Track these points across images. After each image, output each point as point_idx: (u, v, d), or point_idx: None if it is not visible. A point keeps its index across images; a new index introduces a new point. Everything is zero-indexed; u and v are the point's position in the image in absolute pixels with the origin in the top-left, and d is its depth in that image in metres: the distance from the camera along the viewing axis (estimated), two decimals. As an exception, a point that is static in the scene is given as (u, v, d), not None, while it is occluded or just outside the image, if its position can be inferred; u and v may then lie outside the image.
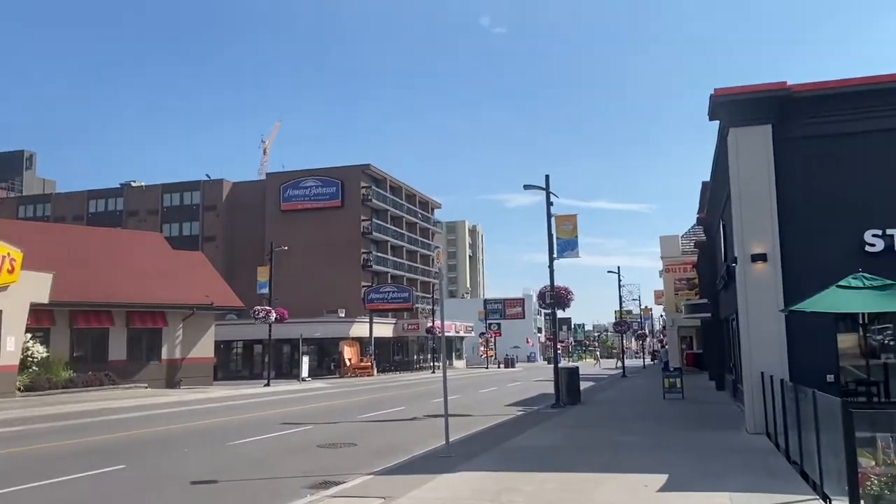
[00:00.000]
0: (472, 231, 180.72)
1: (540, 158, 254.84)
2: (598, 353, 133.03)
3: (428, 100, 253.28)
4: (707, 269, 33.15)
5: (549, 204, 24.20)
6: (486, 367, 79.87)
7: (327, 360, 63.50)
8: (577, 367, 25.41)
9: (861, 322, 11.88)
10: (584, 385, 39.06)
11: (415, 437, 16.75)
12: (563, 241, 24.46)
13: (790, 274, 14.97)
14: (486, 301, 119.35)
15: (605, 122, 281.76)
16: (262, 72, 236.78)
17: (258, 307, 40.81)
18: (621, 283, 50.37)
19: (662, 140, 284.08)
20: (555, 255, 24.28)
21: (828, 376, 14.62)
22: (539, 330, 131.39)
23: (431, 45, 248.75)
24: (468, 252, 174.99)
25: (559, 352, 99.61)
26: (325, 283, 65.90)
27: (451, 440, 13.91)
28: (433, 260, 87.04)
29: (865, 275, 11.23)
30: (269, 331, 41.27)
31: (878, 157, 14.94)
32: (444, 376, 14.64)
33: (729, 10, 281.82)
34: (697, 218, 33.25)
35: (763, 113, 15.41)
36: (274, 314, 40.24)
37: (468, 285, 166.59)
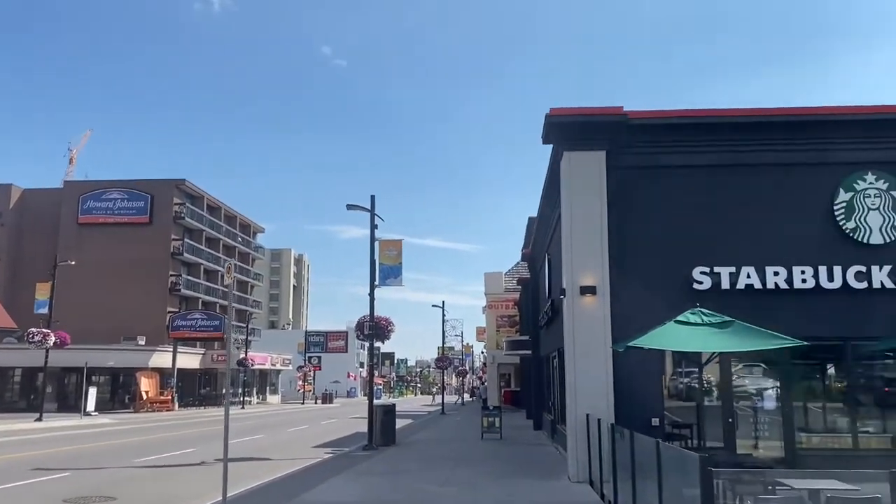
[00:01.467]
0: (298, 260, 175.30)
1: (371, 191, 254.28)
2: (432, 389, 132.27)
3: (262, 126, 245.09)
4: (529, 307, 32.80)
5: (374, 226, 22.38)
6: (303, 403, 76.09)
7: (121, 392, 56.99)
8: (394, 405, 23.54)
9: (701, 361, 10.97)
10: (401, 423, 37.29)
11: (193, 488, 13.93)
12: (387, 267, 22.68)
13: (620, 309, 14.08)
14: (307, 333, 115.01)
15: (437, 161, 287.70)
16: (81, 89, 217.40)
17: (34, 329, 35.19)
18: (445, 319, 49.51)
19: (492, 180, 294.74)
20: (376, 282, 22.40)
21: (653, 420, 13.79)
22: (361, 364, 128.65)
23: (273, 69, 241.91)
24: (293, 282, 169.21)
25: (380, 387, 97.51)
26: (125, 307, 59.44)
27: (235, 492, 11.41)
28: (252, 287, 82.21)
29: (703, 310, 10.33)
30: (46, 357, 35.68)
31: (705, 193, 14.54)
32: (227, 414, 12.07)
33: (571, 43, 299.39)
34: (522, 254, 32.95)
35: (598, 138, 14.60)
36: (53, 338, 34.79)
37: (290, 316, 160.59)
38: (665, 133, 14.61)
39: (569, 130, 14.72)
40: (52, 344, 34.73)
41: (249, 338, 76.95)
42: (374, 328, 22.15)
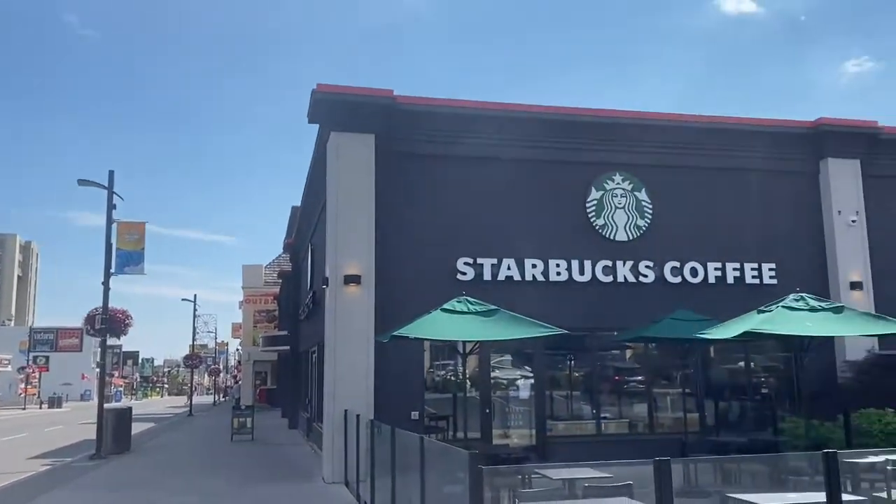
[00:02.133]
0: (25, 247, 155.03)
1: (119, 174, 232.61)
2: (184, 390, 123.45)
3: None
4: (290, 300, 31.44)
5: (112, 206, 19.69)
6: (24, 409, 66.89)
7: None
8: (130, 408, 20.94)
9: (463, 352, 10.66)
10: (141, 427, 33.79)
11: None
12: (126, 252, 20.09)
13: (385, 299, 13.51)
14: (33, 330, 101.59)
15: (195, 147, 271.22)
16: None
17: None
18: (197, 313, 46.10)
19: (256, 168, 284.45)
20: (113, 270, 19.74)
21: (413, 413, 13.42)
22: (98, 364, 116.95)
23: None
24: (17, 272, 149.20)
25: (120, 389, 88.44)
26: None
27: None
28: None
29: (469, 298, 10.04)
30: None
31: (471, 185, 14.51)
32: None
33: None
34: (285, 244, 31.48)
35: (367, 120, 13.92)
36: None
37: (13, 311, 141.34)
38: (433, 121, 14.35)
39: (337, 110, 13.87)
40: None
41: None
42: (108, 321, 19.50)
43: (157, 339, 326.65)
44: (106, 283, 19.51)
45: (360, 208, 13.70)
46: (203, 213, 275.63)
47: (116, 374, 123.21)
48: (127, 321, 20.18)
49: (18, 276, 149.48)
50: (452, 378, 14.06)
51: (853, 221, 15.72)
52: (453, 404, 13.61)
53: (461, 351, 10.09)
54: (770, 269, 15.34)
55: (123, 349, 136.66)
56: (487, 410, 13.83)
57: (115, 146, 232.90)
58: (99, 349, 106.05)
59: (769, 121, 15.97)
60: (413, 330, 9.34)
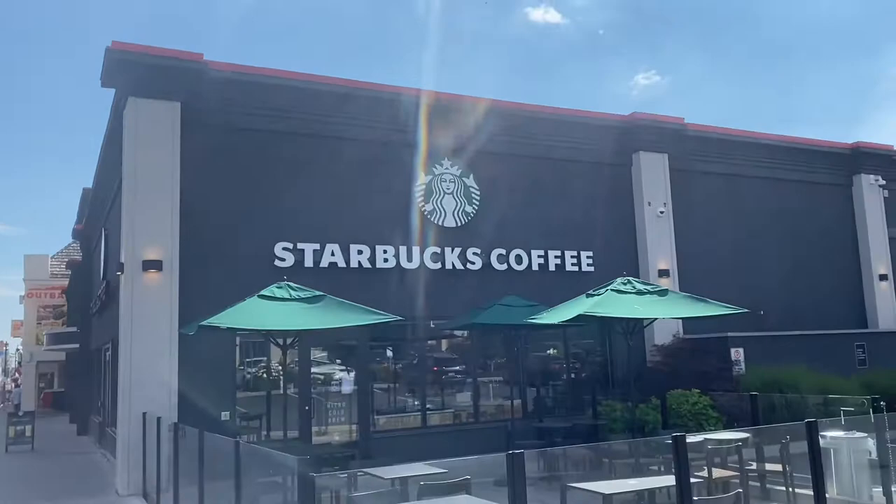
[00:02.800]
0: None
1: None
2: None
3: None
4: (80, 293, 28.11)
5: None
6: None
7: None
8: None
9: (281, 344, 9.56)
10: None
11: None
12: None
13: (192, 288, 12.08)
14: None
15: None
16: None
17: None
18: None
19: (42, 148, 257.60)
20: None
21: (223, 414, 12.14)
22: None
23: None
24: None
25: None
26: None
27: None
28: None
29: (292, 284, 9.05)
30: None
31: (289, 163, 13.42)
32: None
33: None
34: (74, 230, 28.05)
35: (172, 86, 12.38)
36: None
37: None
38: (251, 92, 13.10)
39: (136, 72, 12.17)
40: None
41: None
42: None
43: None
44: None
45: (162, 185, 12.15)
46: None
47: None
48: None
49: None
50: (266, 375, 12.92)
51: (661, 213, 16.54)
52: (267, 402, 12.53)
53: (281, 343, 9.06)
54: (588, 257, 15.72)
55: None
56: (307, 407, 12.86)
57: None
58: None
59: (589, 113, 16.37)
60: (225, 319, 8.20)
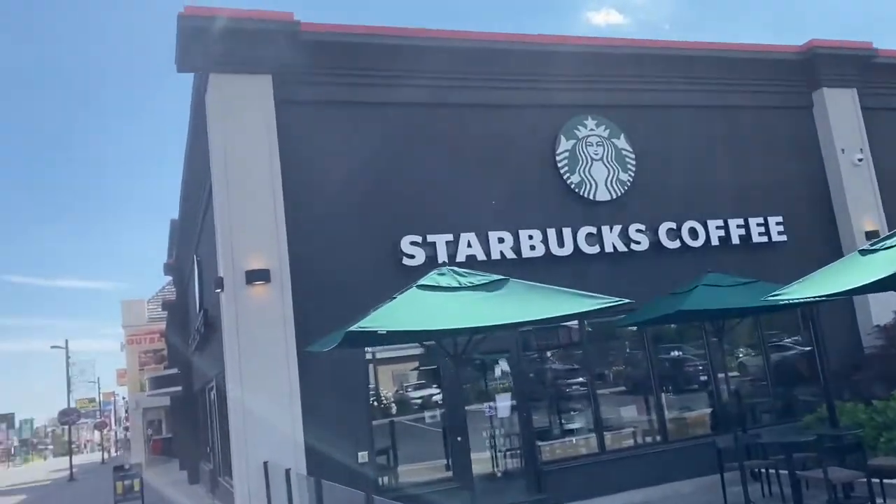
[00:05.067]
0: None
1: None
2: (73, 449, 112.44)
3: None
4: (178, 331, 26.66)
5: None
6: None
7: None
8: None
9: (450, 352, 6.93)
10: (8, 502, 27.95)
11: None
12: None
13: (304, 302, 9.73)
14: None
15: (67, 189, 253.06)
16: None
17: None
18: (70, 360, 39.94)
19: (134, 212, 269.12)
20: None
21: (360, 455, 9.66)
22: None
23: None
24: None
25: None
26: None
27: None
28: None
29: (457, 269, 6.49)
30: None
31: (408, 140, 10.98)
32: None
33: None
34: (165, 266, 26.67)
35: (262, 55, 10.13)
36: None
37: None
38: (352, 56, 10.69)
39: (216, 41, 9.90)
40: None
41: None
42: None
43: (34, 397, 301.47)
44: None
45: (260, 178, 9.88)
46: (72, 260, 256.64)
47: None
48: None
49: None
50: (417, 397, 10.43)
51: (859, 160, 13.25)
52: (391, 433, 10.14)
53: (449, 351, 6.42)
54: (777, 223, 12.58)
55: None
56: (459, 438, 10.21)
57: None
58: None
59: (758, 47, 13.30)
60: (384, 321, 5.62)
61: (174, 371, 27.68)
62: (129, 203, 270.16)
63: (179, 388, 25.78)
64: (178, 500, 18.75)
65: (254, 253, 9.59)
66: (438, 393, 10.44)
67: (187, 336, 23.90)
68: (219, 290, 9.71)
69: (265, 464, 8.96)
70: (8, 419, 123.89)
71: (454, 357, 6.33)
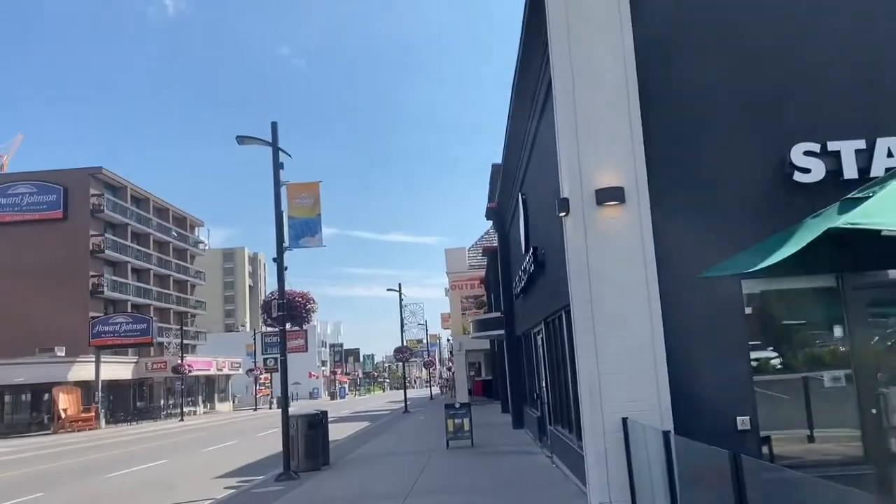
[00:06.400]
0: (254, 259, 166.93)
1: (333, 192, 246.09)
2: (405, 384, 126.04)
3: (218, 129, 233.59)
4: (498, 276, 26.66)
5: (278, 164, 15.88)
6: (255, 410, 69.16)
7: (36, 413, 49.58)
8: (324, 413, 16.97)
9: None
10: (355, 427, 30.96)
11: None
12: (299, 221, 16.22)
13: (665, 227, 7.94)
14: (263, 334, 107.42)
15: (400, 155, 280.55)
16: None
17: None
18: (403, 303, 43.20)
19: (459, 173, 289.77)
20: (286, 243, 15.95)
21: (739, 420, 7.69)
22: (323, 363, 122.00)
23: (230, 71, 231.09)
24: (248, 282, 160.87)
25: (344, 385, 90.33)
26: (40, 314, 51.88)
27: None
28: (193, 287, 74.71)
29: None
30: None
31: (793, 17, 8.44)
32: None
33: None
34: (487, 210, 26.70)
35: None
36: None
37: (248, 318, 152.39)
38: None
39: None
40: None
41: (192, 342, 69.87)
42: (287, 307, 15.69)
43: (376, 336, 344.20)
44: (279, 260, 15.72)
45: (612, 82, 8.21)
46: (403, 218, 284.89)
47: (340, 370, 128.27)
48: (308, 306, 16.33)
49: (249, 286, 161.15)
50: (810, 350, 8.11)
51: None
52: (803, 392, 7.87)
53: None
54: None
55: (345, 346, 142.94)
56: (874, 411, 7.71)
57: (320, 162, 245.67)
58: (323, 349, 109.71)
59: None
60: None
61: (496, 315, 27.93)
62: (454, 168, 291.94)
63: (502, 331, 25.85)
64: (505, 444, 18.42)
65: (604, 168, 8.02)
66: (842, 347, 7.98)
67: (508, 280, 23.65)
68: (562, 214, 8.34)
69: (624, 421, 7.48)
70: (355, 354, 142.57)
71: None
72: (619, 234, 7.90)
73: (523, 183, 16.90)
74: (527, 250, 15.93)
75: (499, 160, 20.24)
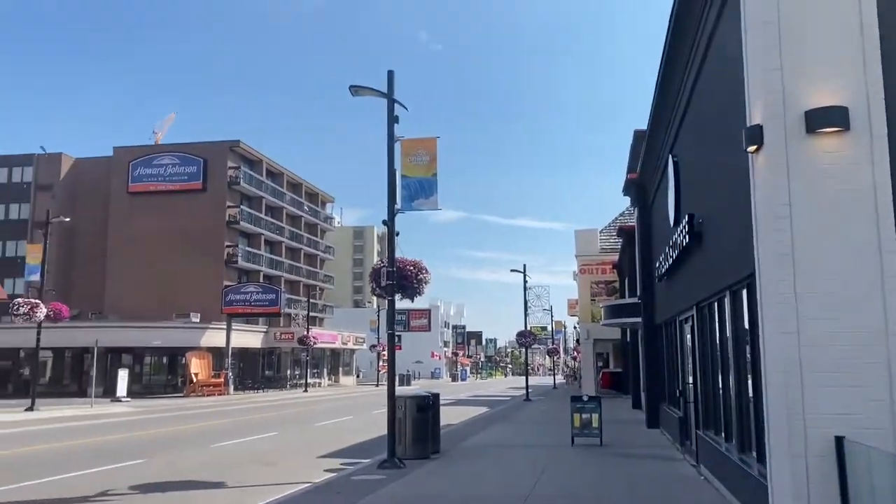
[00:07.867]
0: (382, 238, 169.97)
1: (462, 176, 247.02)
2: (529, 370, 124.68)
3: (357, 112, 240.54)
4: (636, 258, 24.00)
5: (393, 116, 14.26)
6: (377, 385, 69.48)
7: (171, 375, 51.77)
8: (435, 396, 15.30)
9: None
10: (473, 412, 29.41)
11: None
12: (414, 181, 14.55)
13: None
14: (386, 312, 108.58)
15: (532, 142, 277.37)
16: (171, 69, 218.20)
17: (20, 300, 28.97)
18: (527, 285, 41.04)
19: (588, 161, 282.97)
20: (398, 205, 14.33)
21: None
22: (446, 344, 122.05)
23: (366, 58, 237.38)
24: (377, 260, 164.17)
25: (465, 368, 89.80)
26: (178, 281, 54.10)
27: None
28: (322, 261, 76.05)
29: None
30: (38, 333, 29.49)
31: None
32: None
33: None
34: (626, 183, 24.05)
35: None
36: (44, 310, 28.57)
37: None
38: None
39: None
40: (42, 317, 28.48)
41: (319, 314, 71.04)
42: (396, 276, 14.06)
43: (501, 321, 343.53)
44: (390, 222, 14.12)
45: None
46: (531, 203, 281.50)
47: (462, 353, 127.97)
48: (420, 276, 14.58)
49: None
50: None
51: None
52: None
53: None
54: None
55: (467, 329, 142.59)
56: None
57: (454, 145, 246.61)
58: (446, 329, 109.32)
59: None
60: None
61: (632, 300, 25.30)
62: (585, 154, 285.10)
63: (637, 319, 23.26)
64: (639, 446, 16.06)
65: (818, 81, 5.62)
66: None
67: (648, 262, 21.06)
68: (752, 149, 6.00)
69: (839, 441, 5.14)
70: (477, 336, 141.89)
71: None
72: (840, 174, 5.50)
73: (675, 143, 14.39)
74: (677, 222, 13.45)
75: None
